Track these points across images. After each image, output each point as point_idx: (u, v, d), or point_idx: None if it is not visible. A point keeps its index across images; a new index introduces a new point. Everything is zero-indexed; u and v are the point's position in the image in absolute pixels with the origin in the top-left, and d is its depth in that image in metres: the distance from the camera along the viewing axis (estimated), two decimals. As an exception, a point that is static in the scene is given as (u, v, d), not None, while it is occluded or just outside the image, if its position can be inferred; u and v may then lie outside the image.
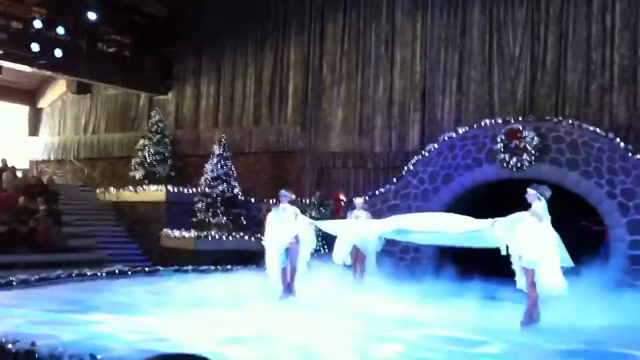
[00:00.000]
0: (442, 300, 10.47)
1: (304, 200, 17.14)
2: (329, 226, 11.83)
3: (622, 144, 14.02)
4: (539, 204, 8.64)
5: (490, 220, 8.88)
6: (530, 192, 8.78)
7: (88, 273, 13.12)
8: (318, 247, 12.88)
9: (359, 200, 13.46)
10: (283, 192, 11.14)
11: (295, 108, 19.40)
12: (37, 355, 5.90)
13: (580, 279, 9.74)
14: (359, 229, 11.92)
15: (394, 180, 16.29)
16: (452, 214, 10.31)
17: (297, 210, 11.11)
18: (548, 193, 8.77)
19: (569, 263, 9.14)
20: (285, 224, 10.79)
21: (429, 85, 17.42)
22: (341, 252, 12.45)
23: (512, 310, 9.36)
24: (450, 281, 11.67)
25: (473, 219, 9.27)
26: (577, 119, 15.02)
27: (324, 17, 19.03)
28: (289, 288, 10.82)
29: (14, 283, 11.34)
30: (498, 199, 12.82)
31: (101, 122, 23.14)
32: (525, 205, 8.89)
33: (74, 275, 12.84)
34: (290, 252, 10.78)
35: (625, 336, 8.13)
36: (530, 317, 8.70)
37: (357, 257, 12.64)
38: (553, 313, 9.22)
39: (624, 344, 7.69)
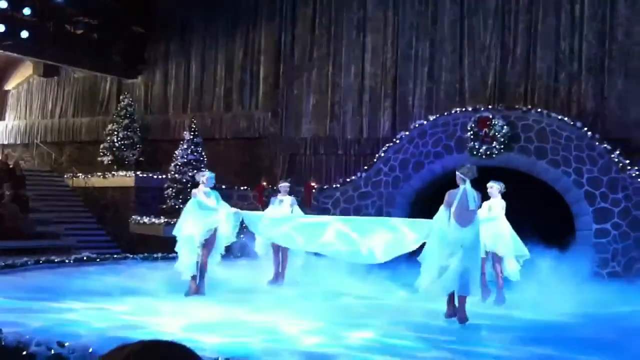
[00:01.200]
0: (412, 288, 10.55)
1: (275, 187, 17.10)
2: (253, 223, 10.43)
3: (589, 133, 14.23)
4: (459, 188, 8.07)
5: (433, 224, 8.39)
6: (456, 175, 8.20)
7: (56, 260, 12.99)
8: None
9: (283, 184, 11.87)
10: (209, 174, 9.84)
11: (267, 94, 19.30)
12: (3, 343, 5.83)
13: (547, 267, 9.88)
14: (282, 240, 10.46)
15: (365, 167, 16.33)
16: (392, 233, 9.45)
17: (218, 195, 9.87)
18: (471, 173, 8.10)
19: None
20: (206, 213, 9.57)
21: (400, 72, 17.45)
22: (263, 241, 11.24)
23: (480, 299, 9.46)
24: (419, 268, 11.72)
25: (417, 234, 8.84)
26: (546, 107, 15.20)
27: (296, 2, 18.91)
28: (198, 286, 9.58)
29: (-20, 270, 11.20)
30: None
31: (69, 106, 22.77)
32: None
33: (41, 262, 12.69)
34: (206, 245, 9.58)
35: (591, 324, 8.26)
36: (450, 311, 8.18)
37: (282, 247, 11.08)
38: (519, 301, 9.36)
39: (591, 332, 7.83)
